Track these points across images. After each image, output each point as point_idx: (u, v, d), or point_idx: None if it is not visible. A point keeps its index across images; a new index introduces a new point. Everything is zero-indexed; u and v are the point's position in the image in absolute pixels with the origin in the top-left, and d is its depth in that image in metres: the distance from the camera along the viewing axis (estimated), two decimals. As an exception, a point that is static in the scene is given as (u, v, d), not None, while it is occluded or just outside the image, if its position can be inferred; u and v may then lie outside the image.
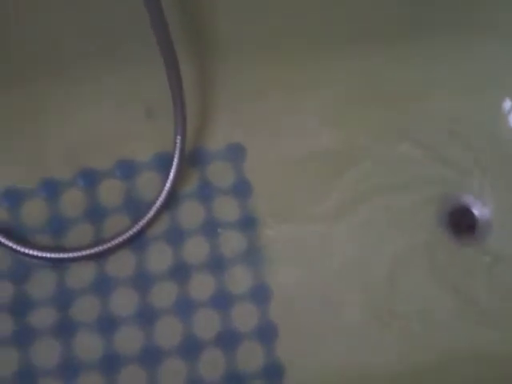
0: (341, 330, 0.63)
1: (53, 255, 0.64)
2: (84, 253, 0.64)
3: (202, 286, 0.64)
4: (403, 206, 0.68)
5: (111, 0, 0.60)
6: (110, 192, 0.67)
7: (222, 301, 0.64)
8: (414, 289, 0.65)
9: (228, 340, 0.62)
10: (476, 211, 0.69)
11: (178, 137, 0.64)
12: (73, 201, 0.67)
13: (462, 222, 0.69)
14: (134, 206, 0.67)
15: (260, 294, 0.64)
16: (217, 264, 0.65)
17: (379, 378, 0.62)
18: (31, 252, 0.63)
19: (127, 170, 0.68)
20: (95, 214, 0.66)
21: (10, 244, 0.63)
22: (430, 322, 0.64)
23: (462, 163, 0.69)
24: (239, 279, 0.65)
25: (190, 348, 0.62)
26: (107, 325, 0.62)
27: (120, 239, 0.65)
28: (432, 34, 0.70)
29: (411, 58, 0.71)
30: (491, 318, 0.64)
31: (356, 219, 0.67)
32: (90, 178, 0.67)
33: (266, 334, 0.63)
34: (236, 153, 0.69)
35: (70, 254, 0.64)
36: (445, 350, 0.63)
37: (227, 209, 0.67)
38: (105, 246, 0.64)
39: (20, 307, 0.63)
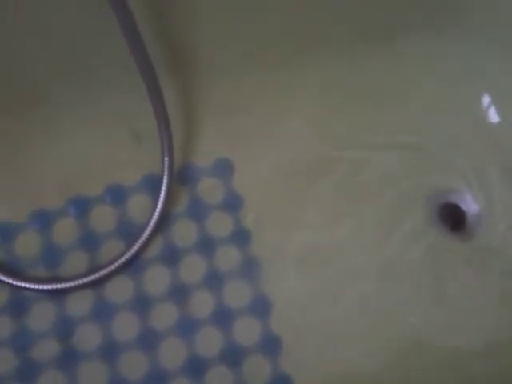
0: (343, 337, 0.64)
1: (50, 287, 0.63)
2: (81, 281, 0.64)
3: (201, 304, 0.64)
4: (392, 206, 0.69)
5: (93, 30, 0.60)
6: (102, 218, 0.67)
7: (223, 317, 0.64)
8: (410, 289, 0.66)
9: (232, 356, 0.63)
10: (465, 207, 0.70)
11: (166, 158, 0.65)
12: (65, 230, 0.67)
13: (451, 219, 0.70)
14: (127, 230, 0.67)
15: (260, 307, 0.64)
16: (214, 281, 0.65)
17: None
18: (28, 285, 0.63)
19: (117, 194, 0.68)
20: (89, 241, 0.66)
21: (6, 279, 0.63)
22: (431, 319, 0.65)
23: (447, 160, 0.70)
24: (238, 294, 0.65)
25: (195, 367, 0.62)
26: (110, 351, 0.62)
27: (116, 264, 0.65)
28: (406, 34, 0.71)
29: (388, 58, 0.73)
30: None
31: (348, 223, 0.68)
32: (80, 206, 0.67)
33: (270, 346, 0.63)
34: (224, 167, 0.70)
35: (67, 284, 0.64)
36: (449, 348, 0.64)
37: (220, 224, 0.67)
38: (101, 273, 0.64)
39: (21, 341, 0.62)
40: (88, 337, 0.63)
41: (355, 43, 0.71)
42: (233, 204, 0.68)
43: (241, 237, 0.67)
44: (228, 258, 0.66)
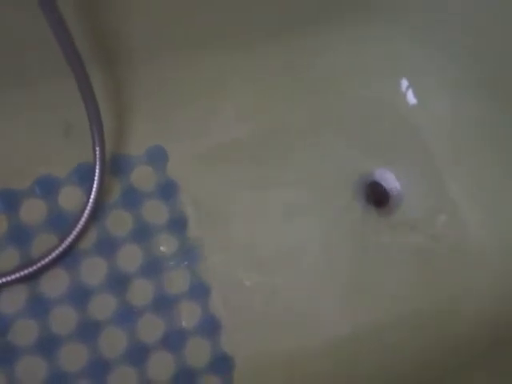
0: (282, 316, 0.67)
1: (-20, 284, 0.62)
2: (13, 276, 0.62)
3: (141, 292, 0.65)
4: (320, 186, 0.72)
5: (20, 20, 0.58)
6: (33, 211, 0.66)
7: (163, 303, 0.65)
8: (347, 263, 0.70)
9: (174, 340, 0.64)
10: (387, 186, 0.75)
11: (97, 147, 0.64)
12: (-6, 225, 0.64)
13: (375, 196, 0.74)
14: (60, 223, 0.66)
15: (199, 291, 0.66)
16: (153, 268, 0.66)
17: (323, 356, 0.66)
18: (-44, 284, 0.61)
19: (47, 186, 0.67)
20: (20, 235, 0.64)
21: None
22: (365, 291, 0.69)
23: (372, 141, 0.75)
24: (177, 279, 0.66)
25: (137, 354, 0.63)
26: (48, 345, 0.61)
27: (50, 257, 0.63)
28: (329, 21, 0.74)
29: (314, 48, 0.75)
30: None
31: (282, 205, 0.71)
32: (9, 200, 0.65)
33: (210, 328, 0.64)
34: (157, 155, 0.70)
35: (-1, 280, 0.62)
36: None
37: (156, 212, 0.68)
38: (35, 267, 0.63)
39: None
40: (24, 332, 0.61)
41: (280, 31, 0.73)
42: (168, 191, 0.69)
43: (177, 223, 0.68)
44: (165, 244, 0.67)
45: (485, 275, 0.71)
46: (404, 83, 0.76)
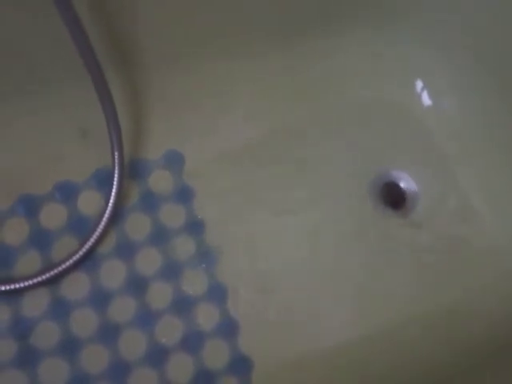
0: (297, 317, 0.67)
1: (3, 288, 0.62)
2: (35, 280, 0.63)
3: (159, 294, 0.65)
4: (336, 185, 0.73)
5: (39, 26, 0.59)
6: (53, 216, 0.67)
7: (182, 306, 0.65)
8: (359, 264, 0.70)
9: (193, 342, 0.64)
10: (403, 185, 0.75)
11: (116, 152, 0.65)
12: (15, 230, 0.66)
13: (391, 196, 0.74)
14: (80, 227, 0.67)
15: (217, 293, 0.66)
16: (171, 271, 0.66)
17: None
18: (-20, 288, 0.62)
19: (67, 191, 0.68)
20: (41, 240, 0.66)
21: (-43, 283, 0.62)
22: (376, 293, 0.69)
23: (387, 143, 0.75)
24: (195, 282, 0.67)
25: (157, 356, 0.63)
26: (70, 347, 0.62)
27: (71, 261, 0.64)
28: (342, 25, 0.75)
29: (324, 49, 0.76)
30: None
31: (296, 205, 0.71)
32: (29, 205, 0.67)
33: (229, 330, 0.65)
34: (174, 159, 0.71)
35: (21, 284, 0.63)
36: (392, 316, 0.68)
37: (173, 216, 0.69)
38: (56, 271, 0.64)
39: (-23, 345, 0.61)
40: (46, 335, 0.62)
41: (291, 36, 0.74)
42: (185, 195, 0.69)
43: (194, 226, 0.68)
44: (183, 248, 0.67)
45: (498, 275, 0.71)
46: (419, 85, 0.76)
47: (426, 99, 0.76)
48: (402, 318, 0.68)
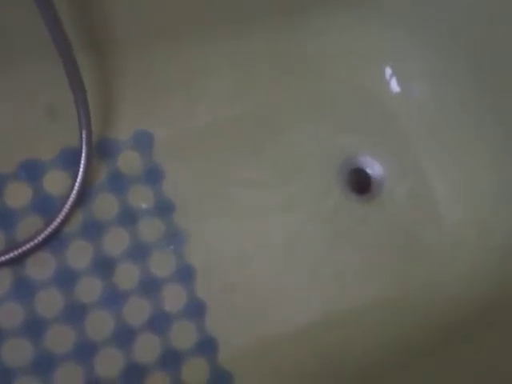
0: (265, 298, 0.68)
1: (-35, 267, 0.61)
2: (-1, 260, 0.62)
3: (127, 275, 0.65)
4: (303, 169, 0.74)
5: (1, 3, 0.58)
6: (17, 195, 0.65)
7: (149, 286, 0.65)
8: (323, 249, 0.71)
9: (160, 323, 0.64)
10: (370, 171, 0.76)
11: (84, 131, 0.64)
12: (-22, 209, 0.64)
13: (358, 182, 0.76)
14: (45, 207, 0.66)
15: (184, 274, 0.66)
16: (139, 252, 0.66)
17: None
18: None
19: (33, 170, 0.66)
20: (4, 220, 0.64)
21: None
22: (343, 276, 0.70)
23: (355, 128, 0.76)
24: (162, 263, 0.66)
25: (124, 336, 0.63)
26: (35, 328, 0.62)
27: (35, 241, 0.63)
28: (312, 8, 0.75)
29: (293, 34, 0.76)
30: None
31: (266, 188, 0.72)
32: (-8, 184, 0.65)
33: (196, 311, 0.65)
34: (143, 140, 0.70)
35: (-16, 264, 0.62)
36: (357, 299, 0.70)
37: (142, 196, 0.68)
38: (20, 250, 0.63)
39: None
40: (11, 315, 0.61)
41: (265, 17, 0.73)
42: (154, 176, 0.69)
43: (163, 208, 0.68)
44: (151, 229, 0.67)
45: (461, 262, 0.73)
46: (388, 70, 0.77)
47: (394, 85, 0.77)
48: (366, 301, 0.70)
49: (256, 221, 0.70)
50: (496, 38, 0.68)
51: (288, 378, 0.66)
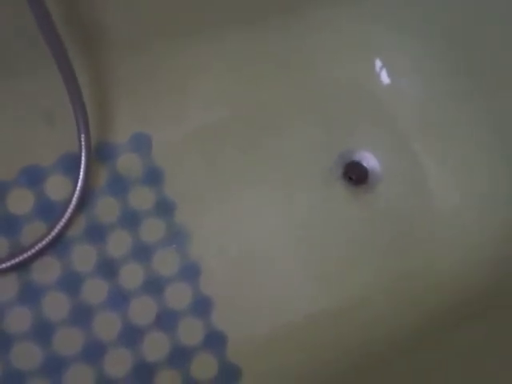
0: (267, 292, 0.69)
1: (-29, 274, 0.62)
2: (4, 265, 0.63)
3: (131, 275, 0.66)
4: (302, 163, 0.75)
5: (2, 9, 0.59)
6: (20, 201, 0.66)
7: (154, 286, 0.66)
8: (322, 241, 0.72)
9: (167, 321, 0.65)
10: (366, 163, 0.77)
11: (82, 135, 0.65)
12: (-19, 216, 0.65)
13: (354, 174, 0.77)
14: (48, 212, 0.66)
15: (189, 272, 0.67)
16: (142, 252, 0.67)
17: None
18: None
19: (33, 176, 0.67)
20: (8, 226, 0.65)
21: None
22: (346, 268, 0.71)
23: (349, 121, 0.77)
24: (166, 262, 0.67)
25: (131, 336, 0.64)
26: (43, 331, 0.62)
27: (39, 245, 0.64)
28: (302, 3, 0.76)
29: (286, 28, 0.77)
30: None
31: (266, 183, 0.73)
32: (-6, 191, 0.66)
33: (202, 306, 0.66)
34: (141, 142, 0.71)
35: (-10, 270, 0.62)
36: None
37: (143, 198, 0.69)
38: (25, 255, 0.63)
39: None
40: (18, 319, 0.62)
41: (254, 17, 0.74)
42: (153, 176, 0.70)
43: (164, 207, 0.69)
44: (153, 229, 0.68)
45: (459, 250, 0.74)
46: (378, 64, 0.79)
47: (385, 78, 0.79)
48: (368, 290, 0.71)
49: (256, 216, 0.71)
50: (485, 31, 0.69)
51: (296, 371, 0.67)
